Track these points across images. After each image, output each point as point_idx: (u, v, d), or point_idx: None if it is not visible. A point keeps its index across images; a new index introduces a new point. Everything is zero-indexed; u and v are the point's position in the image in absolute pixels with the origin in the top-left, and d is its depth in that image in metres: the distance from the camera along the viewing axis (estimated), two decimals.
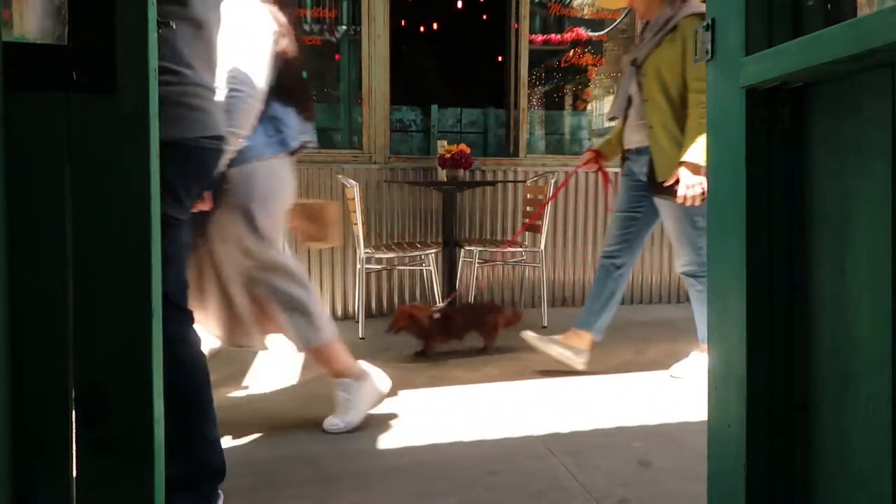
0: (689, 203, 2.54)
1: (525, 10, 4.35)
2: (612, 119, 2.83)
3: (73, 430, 0.87)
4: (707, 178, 1.10)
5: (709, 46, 1.06)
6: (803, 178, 0.96)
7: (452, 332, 3.13)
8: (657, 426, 2.26)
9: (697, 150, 2.49)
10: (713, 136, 1.08)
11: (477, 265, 3.80)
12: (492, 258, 4.13)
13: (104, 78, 0.85)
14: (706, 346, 2.73)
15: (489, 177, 4.21)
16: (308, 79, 2.28)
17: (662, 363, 3.02)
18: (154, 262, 0.89)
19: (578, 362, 2.83)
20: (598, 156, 2.96)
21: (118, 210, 0.87)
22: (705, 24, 1.07)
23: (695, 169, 2.49)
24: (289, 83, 2.08)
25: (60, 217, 0.85)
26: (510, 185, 4.23)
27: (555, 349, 2.85)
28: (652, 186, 2.69)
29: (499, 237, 4.22)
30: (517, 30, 4.40)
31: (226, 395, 2.60)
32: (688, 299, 4.45)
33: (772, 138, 0.98)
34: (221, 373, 2.89)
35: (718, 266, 1.07)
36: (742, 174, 0.98)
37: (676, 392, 2.64)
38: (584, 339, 2.84)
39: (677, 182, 2.54)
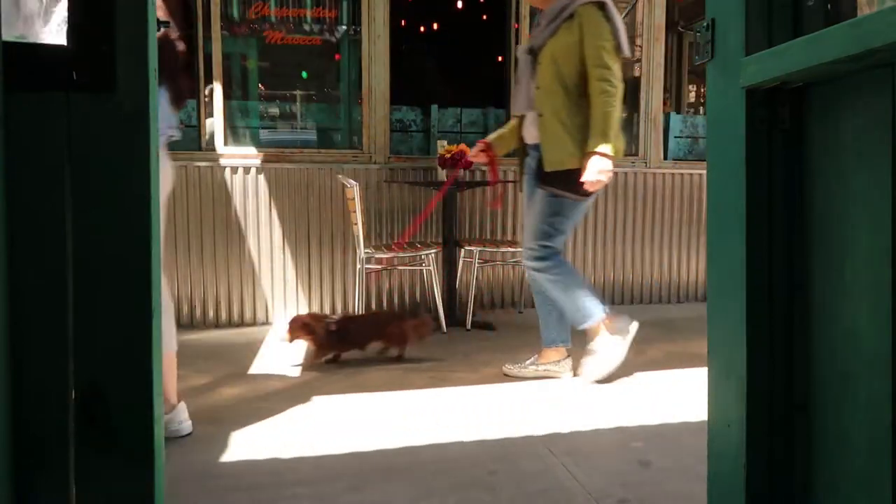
0: (592, 189, 2.50)
1: (525, 10, 4.35)
2: (521, 116, 2.75)
3: (73, 430, 0.87)
4: (707, 177, 1.10)
5: (709, 46, 1.06)
6: (803, 178, 0.96)
7: (350, 342, 3.04)
8: (657, 426, 2.26)
9: (606, 140, 2.46)
10: (713, 136, 1.08)
11: (477, 265, 3.80)
12: (492, 258, 4.13)
13: (104, 78, 0.85)
14: (594, 325, 2.67)
15: (489, 177, 4.20)
16: (187, 67, 2.16)
17: (662, 363, 3.02)
18: (154, 262, 0.89)
19: (564, 371, 2.82)
20: (489, 148, 2.86)
21: (118, 210, 0.87)
22: (705, 23, 1.07)
23: (604, 158, 2.46)
24: (165, 69, 1.98)
25: (60, 217, 0.85)
26: (510, 185, 4.22)
27: (535, 371, 2.82)
28: (539, 175, 2.63)
29: (499, 237, 4.22)
30: (517, 30, 4.40)
31: (226, 395, 2.60)
32: (688, 299, 4.49)
33: (772, 138, 0.98)
34: (221, 372, 2.89)
35: (718, 266, 1.07)
36: (742, 174, 0.98)
37: (676, 392, 2.64)
38: (558, 351, 2.82)
39: (570, 173, 2.50)
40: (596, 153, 2.47)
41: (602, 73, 2.48)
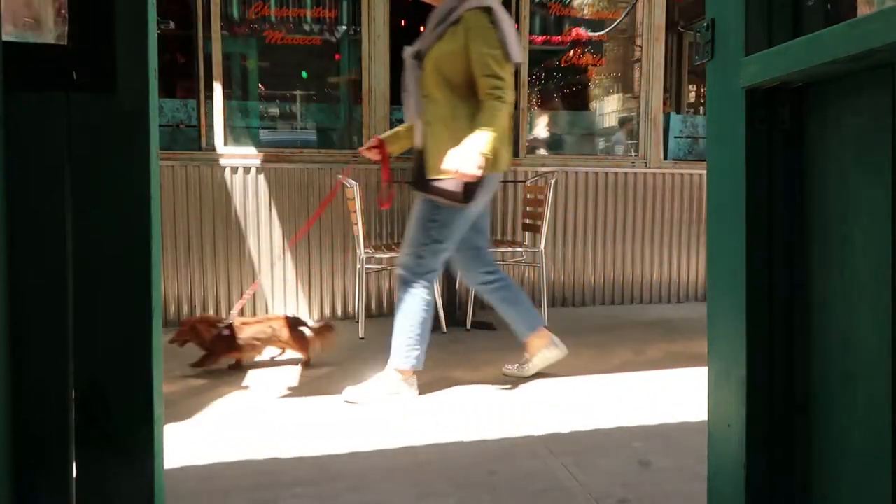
0: (460, 178, 2.36)
1: (525, 10, 4.35)
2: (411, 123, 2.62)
3: (73, 430, 0.87)
4: (707, 177, 1.10)
5: (709, 46, 1.06)
6: (803, 178, 0.96)
7: (244, 347, 2.88)
8: (657, 426, 2.26)
9: (486, 140, 2.33)
10: (713, 136, 1.08)
11: None
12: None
13: (104, 78, 0.85)
14: (397, 367, 2.53)
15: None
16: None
17: (662, 363, 3.02)
18: (154, 262, 0.89)
19: (558, 352, 2.75)
20: (382, 145, 2.72)
21: (118, 210, 0.87)
22: (705, 23, 1.06)
23: (472, 151, 2.33)
24: None
25: (60, 217, 0.85)
26: (510, 185, 4.22)
27: (534, 364, 2.77)
28: (416, 181, 2.52)
29: (499, 237, 4.22)
30: (517, 30, 4.40)
31: (225, 395, 2.60)
32: (688, 299, 4.49)
33: (772, 138, 0.98)
34: (221, 372, 2.89)
35: (718, 266, 1.07)
36: (742, 174, 0.98)
37: (676, 392, 2.64)
38: (541, 337, 2.75)
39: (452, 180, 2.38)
40: (473, 146, 2.35)
41: (491, 82, 2.37)
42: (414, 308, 2.52)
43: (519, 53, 2.47)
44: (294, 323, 3.02)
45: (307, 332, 3.01)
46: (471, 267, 2.73)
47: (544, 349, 2.77)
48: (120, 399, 0.88)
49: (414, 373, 2.57)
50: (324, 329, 3.05)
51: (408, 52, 2.56)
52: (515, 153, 4.42)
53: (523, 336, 2.76)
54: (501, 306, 2.73)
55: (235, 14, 4.69)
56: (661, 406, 2.46)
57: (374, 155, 2.74)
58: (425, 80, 2.47)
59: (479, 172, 2.34)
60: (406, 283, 2.54)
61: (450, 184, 2.41)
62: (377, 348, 3.18)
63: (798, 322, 0.97)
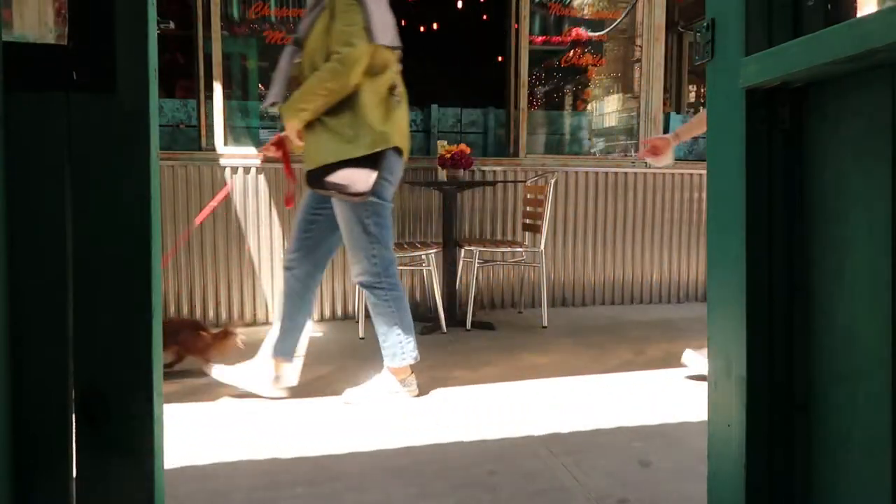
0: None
1: (525, 10, 4.35)
2: (272, 105, 2.45)
3: (73, 430, 0.87)
4: (707, 177, 1.10)
5: (709, 46, 1.06)
6: (803, 178, 0.96)
7: None
8: (657, 426, 2.26)
9: (293, 104, 2.34)
10: (713, 136, 1.08)
11: (477, 265, 3.80)
12: (492, 258, 4.13)
13: (104, 78, 0.85)
14: (394, 367, 2.51)
15: (489, 177, 4.21)
16: None
17: (662, 363, 3.02)
18: (154, 262, 0.89)
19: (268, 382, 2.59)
20: (283, 142, 2.60)
21: (118, 210, 0.87)
22: (705, 23, 1.06)
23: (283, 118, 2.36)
24: None
25: (60, 217, 0.85)
26: (510, 185, 4.23)
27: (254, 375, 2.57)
28: (307, 177, 2.43)
29: (499, 237, 4.22)
30: (517, 30, 4.40)
31: (225, 395, 2.59)
32: (688, 299, 4.49)
33: (772, 138, 0.98)
34: None
35: (718, 266, 1.07)
36: (742, 174, 0.98)
37: (676, 392, 2.64)
38: (280, 362, 2.59)
39: (337, 172, 2.32)
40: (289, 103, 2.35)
41: (338, 48, 2.27)
42: (391, 306, 2.48)
43: (388, 37, 2.37)
44: (192, 326, 2.91)
45: (207, 336, 2.88)
46: (305, 255, 2.58)
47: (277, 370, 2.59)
48: (120, 399, 0.88)
49: (412, 371, 2.57)
50: (224, 334, 2.93)
51: (291, 39, 2.51)
52: (515, 153, 4.43)
53: (275, 352, 2.57)
54: (287, 303, 2.56)
55: (235, 14, 4.69)
56: (661, 406, 2.46)
57: (272, 152, 2.64)
58: (302, 68, 2.41)
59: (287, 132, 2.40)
60: (371, 287, 2.48)
61: (339, 176, 2.34)
62: (377, 348, 3.17)
63: (798, 322, 0.97)
